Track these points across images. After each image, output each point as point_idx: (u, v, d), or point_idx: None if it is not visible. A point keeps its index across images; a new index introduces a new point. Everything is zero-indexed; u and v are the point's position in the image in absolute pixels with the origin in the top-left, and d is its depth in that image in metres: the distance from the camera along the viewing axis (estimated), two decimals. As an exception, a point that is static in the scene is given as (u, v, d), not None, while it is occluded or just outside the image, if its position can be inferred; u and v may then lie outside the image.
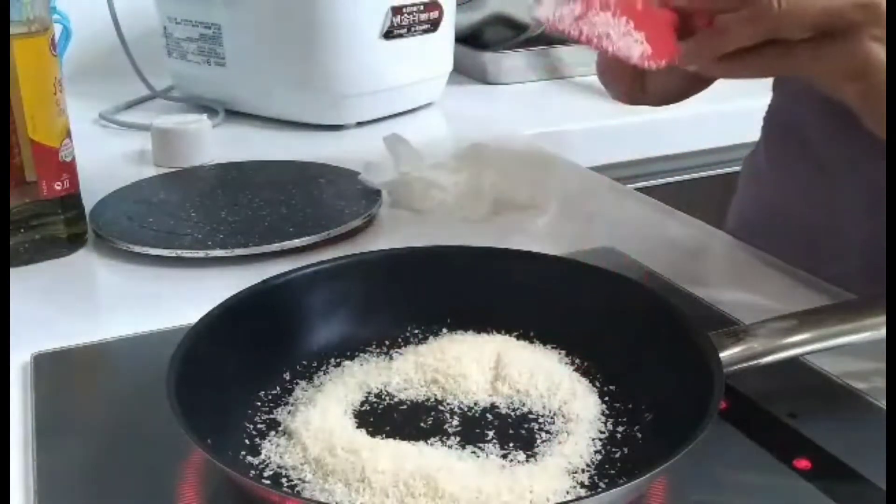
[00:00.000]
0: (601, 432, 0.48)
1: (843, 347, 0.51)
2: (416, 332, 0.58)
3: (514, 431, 0.48)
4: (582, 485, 0.44)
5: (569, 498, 0.43)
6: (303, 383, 0.53)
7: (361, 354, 0.56)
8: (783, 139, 0.77)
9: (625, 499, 0.42)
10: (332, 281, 0.57)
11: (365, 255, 0.62)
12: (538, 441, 0.47)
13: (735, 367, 0.48)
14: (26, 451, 0.49)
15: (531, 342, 0.56)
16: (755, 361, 0.49)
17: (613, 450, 0.47)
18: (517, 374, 0.52)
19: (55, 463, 0.48)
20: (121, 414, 0.53)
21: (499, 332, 0.56)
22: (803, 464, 0.47)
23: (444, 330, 0.57)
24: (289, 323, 0.55)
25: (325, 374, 0.54)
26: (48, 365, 0.57)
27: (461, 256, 0.59)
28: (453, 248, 0.60)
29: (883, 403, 0.51)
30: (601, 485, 0.44)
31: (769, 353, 0.49)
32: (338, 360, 0.55)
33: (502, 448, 0.47)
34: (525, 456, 0.46)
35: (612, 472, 0.45)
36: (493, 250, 0.60)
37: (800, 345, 0.50)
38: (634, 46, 0.48)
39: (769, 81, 0.79)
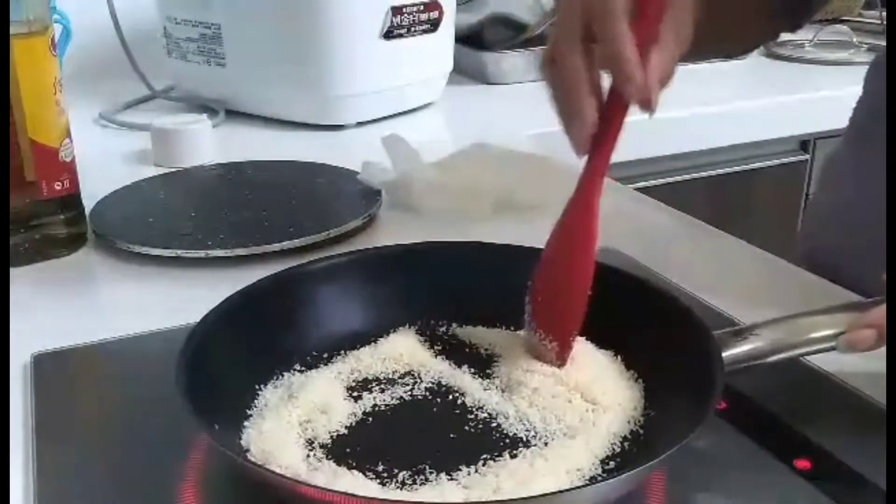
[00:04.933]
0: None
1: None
2: (426, 325, 0.58)
3: (527, 427, 0.48)
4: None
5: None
6: (311, 373, 0.53)
7: (373, 345, 0.55)
8: (871, 132, 0.75)
9: (618, 491, 0.42)
10: (344, 274, 0.57)
11: (380, 249, 0.61)
12: (540, 441, 0.47)
13: (737, 367, 0.48)
14: (26, 451, 0.49)
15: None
16: (759, 361, 0.49)
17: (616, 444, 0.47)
18: (521, 371, 0.52)
19: (55, 463, 0.48)
20: (121, 414, 0.53)
21: (507, 328, 0.57)
22: (803, 464, 0.47)
23: (454, 325, 0.58)
24: (299, 315, 0.55)
25: (333, 364, 0.54)
26: (48, 365, 0.57)
27: (475, 252, 0.60)
28: (468, 243, 0.60)
29: (883, 403, 0.51)
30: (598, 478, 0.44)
31: (773, 353, 0.49)
32: (346, 353, 0.55)
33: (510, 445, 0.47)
34: (533, 452, 0.46)
35: (612, 465, 0.45)
36: (508, 247, 0.59)
37: (803, 345, 0.50)
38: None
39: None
